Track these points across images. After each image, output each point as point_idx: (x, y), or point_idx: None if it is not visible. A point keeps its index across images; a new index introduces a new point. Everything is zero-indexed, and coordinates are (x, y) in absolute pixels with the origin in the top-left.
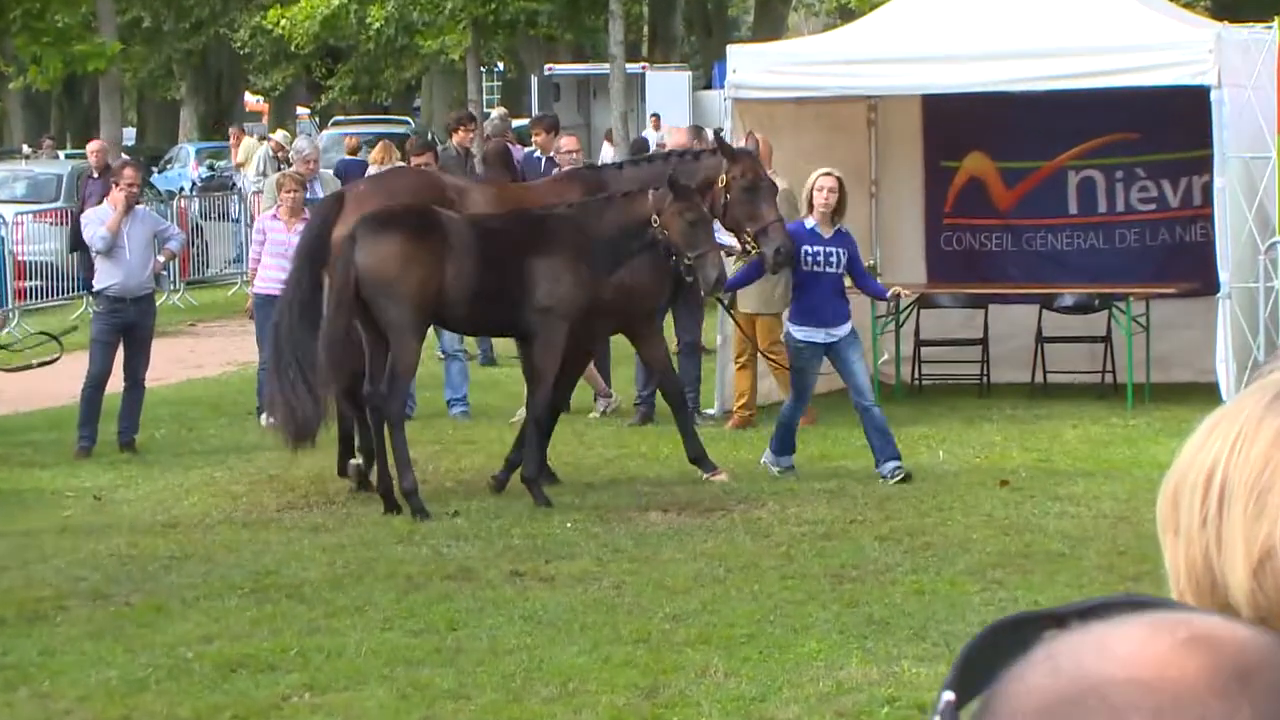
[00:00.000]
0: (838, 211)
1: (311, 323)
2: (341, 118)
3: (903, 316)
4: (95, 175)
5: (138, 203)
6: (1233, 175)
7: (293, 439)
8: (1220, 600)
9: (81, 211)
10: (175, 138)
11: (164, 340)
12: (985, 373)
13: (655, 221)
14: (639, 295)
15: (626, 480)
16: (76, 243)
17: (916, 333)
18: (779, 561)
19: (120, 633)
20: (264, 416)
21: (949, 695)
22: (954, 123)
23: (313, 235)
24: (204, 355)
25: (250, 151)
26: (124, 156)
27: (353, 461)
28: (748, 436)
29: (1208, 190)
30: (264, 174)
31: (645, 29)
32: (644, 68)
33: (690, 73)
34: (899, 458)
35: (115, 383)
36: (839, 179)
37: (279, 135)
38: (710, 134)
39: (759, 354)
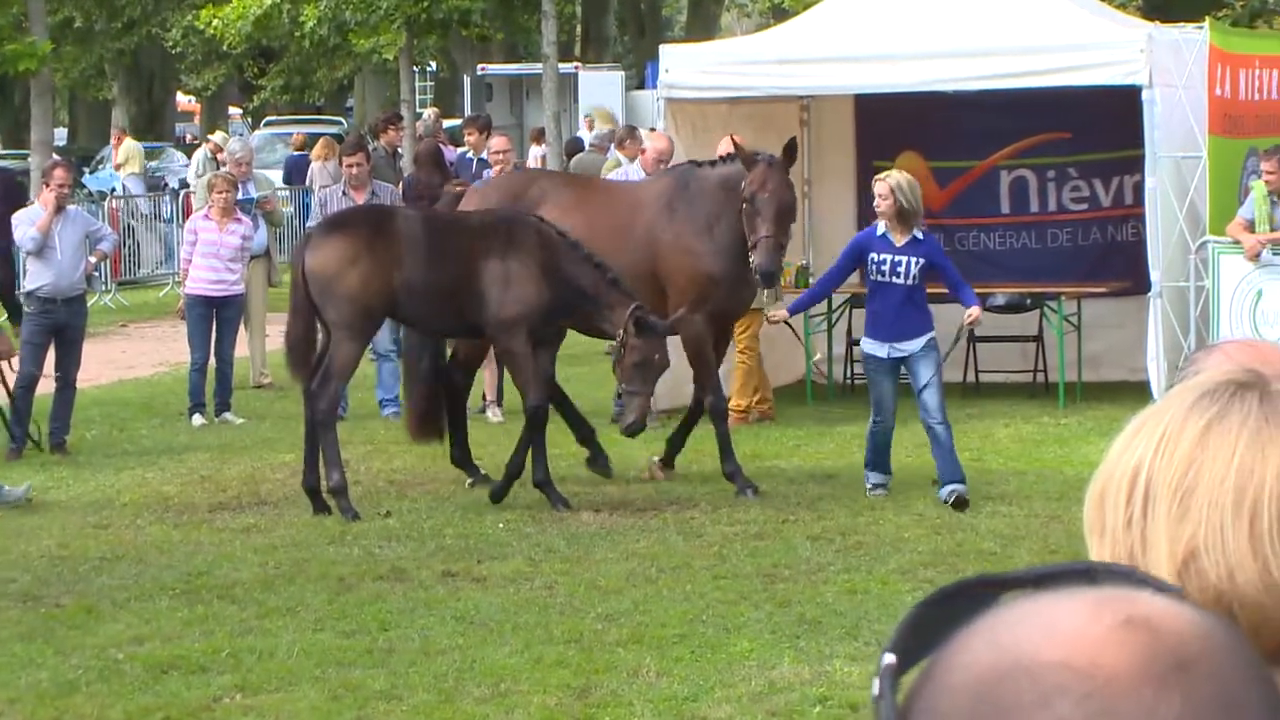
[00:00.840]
0: (901, 217)
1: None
2: (274, 118)
3: (835, 316)
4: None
5: (69, 203)
6: (1164, 175)
7: (415, 435)
8: None
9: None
10: (107, 138)
11: (95, 341)
12: None
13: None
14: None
15: (559, 480)
16: None
17: (849, 332)
18: (711, 561)
19: (51, 634)
20: (195, 417)
21: (890, 658)
22: (886, 122)
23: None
24: (135, 356)
25: (130, 153)
26: (54, 157)
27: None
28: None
29: (1139, 190)
30: (201, 175)
31: (578, 29)
32: (577, 68)
33: (623, 73)
34: (962, 480)
35: (46, 383)
36: (892, 186)
37: (217, 137)
38: (644, 133)
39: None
